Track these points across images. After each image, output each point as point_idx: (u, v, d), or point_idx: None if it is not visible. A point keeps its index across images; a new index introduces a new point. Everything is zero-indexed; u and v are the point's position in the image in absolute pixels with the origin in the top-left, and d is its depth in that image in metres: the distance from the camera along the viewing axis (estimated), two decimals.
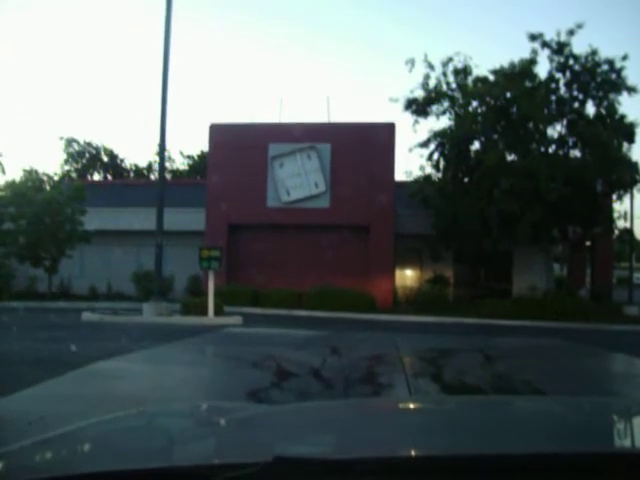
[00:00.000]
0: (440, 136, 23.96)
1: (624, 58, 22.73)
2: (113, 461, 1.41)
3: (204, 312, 16.91)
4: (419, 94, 24.54)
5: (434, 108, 24.62)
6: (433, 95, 24.35)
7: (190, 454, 1.50)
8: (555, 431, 1.74)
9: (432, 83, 24.38)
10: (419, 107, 24.60)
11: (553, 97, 23.09)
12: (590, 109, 23.48)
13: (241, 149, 25.09)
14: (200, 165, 42.49)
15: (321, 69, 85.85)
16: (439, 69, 24.26)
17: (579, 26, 22.59)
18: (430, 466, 1.28)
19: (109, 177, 47.36)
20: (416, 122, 24.87)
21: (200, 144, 48.91)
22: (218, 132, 26.07)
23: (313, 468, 1.24)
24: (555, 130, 23.74)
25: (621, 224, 24.55)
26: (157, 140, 18.70)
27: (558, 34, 22.74)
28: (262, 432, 1.79)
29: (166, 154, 46.87)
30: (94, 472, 1.29)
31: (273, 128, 26.08)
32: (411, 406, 2.68)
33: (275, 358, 9.25)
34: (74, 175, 45.87)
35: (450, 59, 24.09)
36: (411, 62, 24.16)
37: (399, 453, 1.44)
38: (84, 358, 8.46)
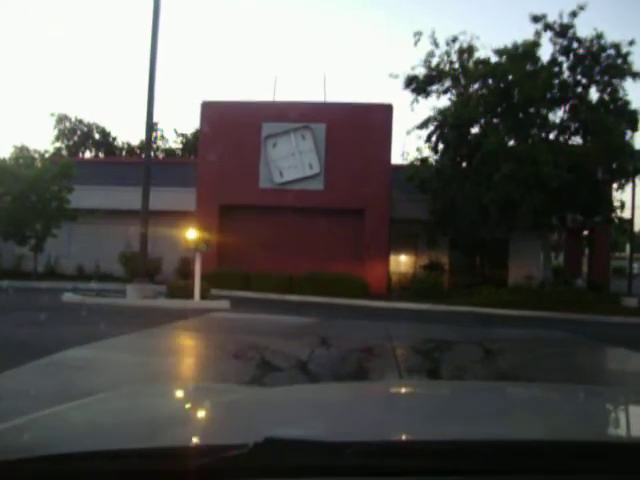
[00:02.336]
0: (442, 114, 23.33)
1: (631, 43, 22.15)
2: (101, 441, 1.39)
3: (190, 295, 16.32)
4: (420, 72, 23.99)
5: (435, 87, 24.03)
6: (435, 74, 23.73)
7: (180, 435, 1.47)
8: (545, 418, 1.73)
9: (435, 61, 23.82)
10: (419, 85, 23.99)
11: (556, 81, 22.47)
12: (594, 95, 22.95)
13: (234, 128, 24.43)
14: (194, 144, 41.71)
15: (318, 46, 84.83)
16: (443, 47, 23.68)
17: (581, 7, 22.00)
18: (421, 450, 1.26)
19: (101, 155, 46.54)
20: (415, 101, 24.31)
21: (194, 122, 48.07)
22: (210, 110, 25.38)
23: (304, 450, 1.22)
24: (557, 115, 23.22)
25: (621, 213, 24.04)
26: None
27: (561, 16, 22.16)
28: (253, 414, 1.79)
29: (159, 132, 46.34)
30: (81, 452, 1.26)
31: (267, 107, 25.38)
32: (404, 390, 2.68)
33: (258, 348, 8.62)
34: (65, 153, 45.02)
35: (455, 38, 23.47)
36: (418, 35, 23.55)
37: (391, 437, 1.43)
38: (53, 345, 7.87)
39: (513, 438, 1.36)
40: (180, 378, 7.18)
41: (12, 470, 1.23)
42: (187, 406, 2.07)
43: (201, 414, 1.88)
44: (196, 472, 1.17)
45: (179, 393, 2.42)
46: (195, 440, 1.46)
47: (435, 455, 1.23)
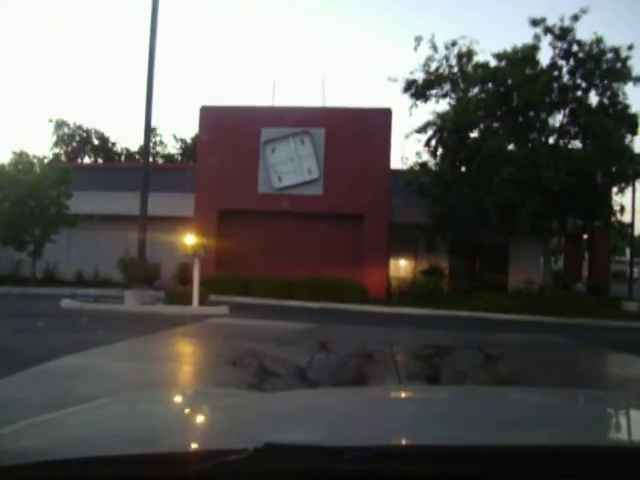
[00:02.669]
0: (441, 119, 23.28)
1: (630, 47, 22.15)
2: (100, 447, 1.38)
3: (189, 301, 16.21)
4: (419, 76, 23.97)
5: (434, 92, 23.99)
6: (434, 78, 23.69)
7: (179, 440, 1.46)
8: (546, 423, 1.72)
9: (434, 66, 23.76)
10: (418, 90, 23.95)
11: (555, 85, 22.44)
12: (593, 99, 22.90)
13: (232, 133, 24.37)
14: (193, 149, 41.64)
15: (317, 51, 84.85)
16: (443, 52, 23.64)
17: (583, 11, 21.95)
18: (421, 455, 1.26)
19: (100, 161, 46.43)
20: (414, 105, 24.27)
21: (194, 127, 48.05)
22: (209, 115, 25.31)
23: (304, 455, 1.22)
24: (556, 119, 23.19)
25: (620, 217, 23.94)
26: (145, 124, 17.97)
27: (562, 19, 22.10)
28: (252, 419, 1.80)
29: (158, 138, 46.26)
30: (79, 458, 1.25)
31: (266, 112, 25.32)
32: (403, 395, 2.67)
33: (256, 355, 8.54)
34: (64, 158, 44.95)
35: (454, 42, 23.40)
36: (418, 40, 23.49)
37: (391, 442, 1.42)
38: (49, 352, 7.76)
39: (513, 443, 1.34)
40: (178, 386, 7.08)
41: (9, 476, 1.22)
42: (186, 411, 2.07)
43: (200, 419, 1.87)
44: (196, 477, 1.16)
45: (178, 398, 2.43)
46: (194, 445, 1.45)
47: (435, 460, 1.23)
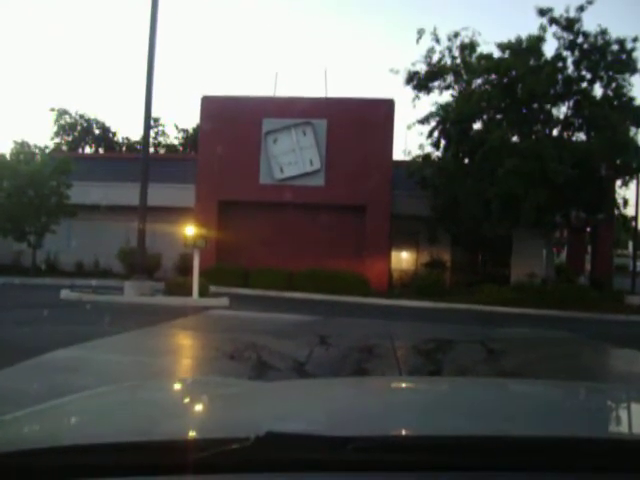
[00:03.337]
0: (444, 110, 23.12)
1: (635, 39, 21.94)
2: (100, 435, 1.37)
3: (189, 292, 16.09)
4: (421, 68, 23.79)
5: (436, 83, 23.81)
6: (436, 69, 23.51)
7: (180, 428, 1.47)
8: (546, 414, 1.73)
9: (436, 57, 23.60)
10: (421, 82, 23.76)
11: (560, 76, 22.24)
12: (598, 90, 22.72)
13: (234, 123, 24.21)
14: (195, 139, 41.44)
15: (319, 41, 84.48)
16: (445, 43, 23.45)
17: (589, 2, 21.70)
18: (422, 445, 1.25)
19: (100, 150, 46.25)
20: (417, 97, 24.09)
21: (195, 118, 47.80)
22: (210, 105, 25.15)
23: (306, 444, 1.21)
24: (560, 111, 23.01)
25: (624, 210, 23.83)
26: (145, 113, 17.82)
27: (567, 10, 21.89)
28: (254, 407, 1.81)
29: (160, 128, 46.10)
30: (78, 445, 1.25)
31: (268, 102, 25.15)
32: (405, 385, 2.67)
33: (256, 348, 8.43)
34: (65, 148, 44.77)
35: (457, 33, 23.20)
36: (420, 32, 23.31)
37: (392, 432, 1.43)
38: (45, 344, 7.66)
39: (514, 434, 1.36)
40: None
41: (7, 463, 1.22)
42: (187, 400, 2.07)
43: (201, 408, 1.88)
44: (197, 466, 1.16)
45: (179, 387, 2.44)
46: (196, 433, 1.44)
47: (436, 450, 1.23)
